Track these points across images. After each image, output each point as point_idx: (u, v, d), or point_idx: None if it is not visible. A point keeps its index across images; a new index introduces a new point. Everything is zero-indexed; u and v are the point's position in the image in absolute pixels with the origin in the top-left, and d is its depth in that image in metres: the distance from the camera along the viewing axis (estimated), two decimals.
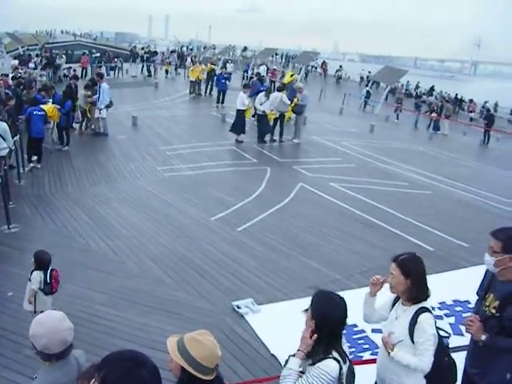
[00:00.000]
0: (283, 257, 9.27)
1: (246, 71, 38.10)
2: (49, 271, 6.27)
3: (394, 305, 4.19)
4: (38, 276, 6.23)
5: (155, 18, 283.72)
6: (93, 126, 18.45)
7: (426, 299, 3.99)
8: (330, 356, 3.43)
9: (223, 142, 18.16)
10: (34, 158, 13.71)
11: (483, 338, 3.98)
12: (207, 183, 13.33)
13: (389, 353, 3.95)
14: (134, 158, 15.51)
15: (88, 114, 18.35)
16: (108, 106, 18.02)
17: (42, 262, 6.31)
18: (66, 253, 8.92)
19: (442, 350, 4.11)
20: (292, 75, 26.54)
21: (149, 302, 7.45)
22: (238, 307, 7.34)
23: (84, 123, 18.63)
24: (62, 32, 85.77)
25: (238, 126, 18.42)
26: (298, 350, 3.59)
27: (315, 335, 3.50)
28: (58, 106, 15.36)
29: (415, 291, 3.95)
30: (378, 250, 9.66)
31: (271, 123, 18.87)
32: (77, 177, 13.36)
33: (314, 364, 3.44)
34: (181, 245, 9.51)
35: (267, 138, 18.77)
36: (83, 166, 14.39)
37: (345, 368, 3.46)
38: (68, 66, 33.68)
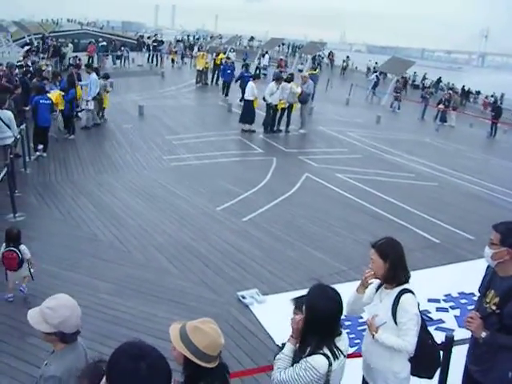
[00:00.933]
0: (289, 247, 9.26)
1: (245, 60, 37.51)
2: (2, 248, 6.96)
3: (377, 290, 4.25)
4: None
5: (162, 8, 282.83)
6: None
7: (406, 281, 4.07)
8: (321, 352, 3.43)
9: (229, 132, 18.13)
10: (40, 146, 13.72)
11: (483, 335, 3.93)
12: (213, 173, 13.32)
13: (373, 335, 4.01)
14: (139, 147, 15.50)
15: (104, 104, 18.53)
16: (95, 98, 17.50)
17: (6, 235, 7.00)
18: (72, 242, 8.96)
19: (426, 333, 4.17)
20: (316, 69, 26.51)
21: (154, 292, 7.47)
22: (243, 297, 7.35)
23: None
24: (69, 21, 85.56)
25: (247, 116, 18.41)
26: (291, 336, 3.67)
27: (300, 320, 3.57)
28: (63, 93, 15.40)
29: (394, 272, 4.02)
30: None
31: (278, 113, 18.77)
32: (82, 166, 13.36)
33: (305, 356, 3.47)
34: (186, 234, 9.52)
35: (274, 127, 18.73)
36: (89, 155, 14.41)
37: (336, 365, 3.45)
38: (74, 54, 33.60)
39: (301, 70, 26.43)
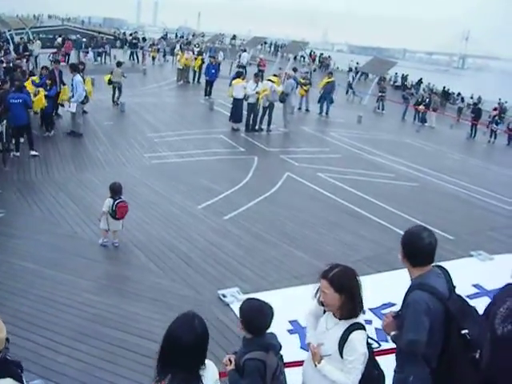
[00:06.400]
0: (269, 246, 9.29)
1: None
2: (116, 202, 8.33)
3: (324, 312, 3.97)
4: (107, 202, 8.39)
5: (144, 4, 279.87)
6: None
7: (358, 314, 3.78)
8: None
9: (211, 130, 18.10)
10: (22, 140, 13.58)
11: (391, 334, 4.02)
12: (194, 171, 13.30)
13: (315, 364, 3.82)
14: (120, 144, 15.42)
15: None
16: (82, 102, 16.26)
17: (112, 190, 8.44)
18: (52, 239, 8.91)
19: (373, 365, 3.92)
20: (330, 78, 26.37)
21: (135, 290, 7.45)
22: (224, 296, 7.36)
23: None
24: (50, 16, 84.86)
25: (235, 115, 18.42)
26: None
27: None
28: (46, 92, 15.18)
29: (351, 305, 3.72)
30: (365, 240, 9.71)
31: (260, 112, 18.75)
32: (63, 163, 13.26)
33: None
34: (167, 232, 9.50)
35: (256, 126, 18.73)
36: (70, 153, 14.29)
37: None
38: (51, 50, 32.95)
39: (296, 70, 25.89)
